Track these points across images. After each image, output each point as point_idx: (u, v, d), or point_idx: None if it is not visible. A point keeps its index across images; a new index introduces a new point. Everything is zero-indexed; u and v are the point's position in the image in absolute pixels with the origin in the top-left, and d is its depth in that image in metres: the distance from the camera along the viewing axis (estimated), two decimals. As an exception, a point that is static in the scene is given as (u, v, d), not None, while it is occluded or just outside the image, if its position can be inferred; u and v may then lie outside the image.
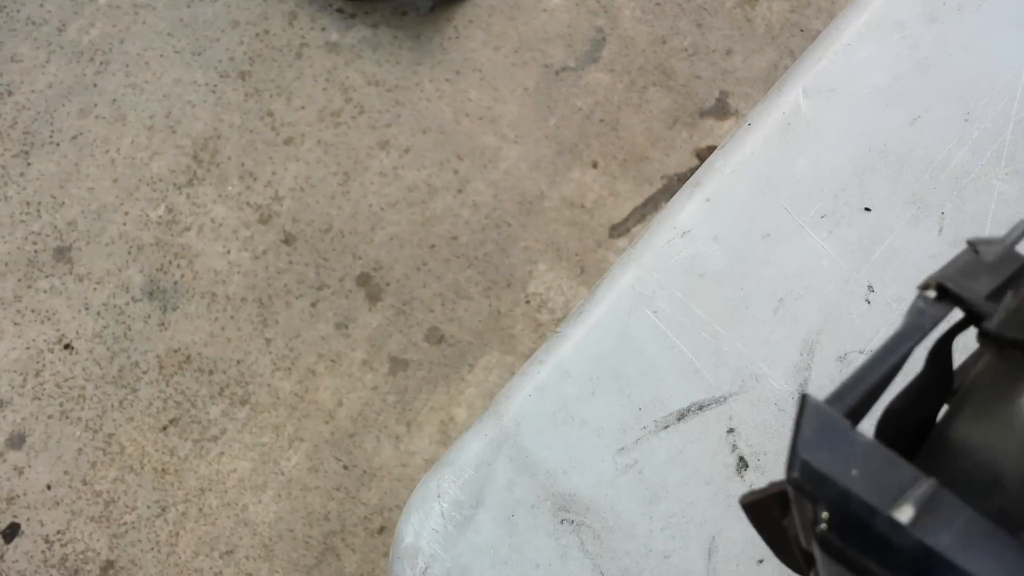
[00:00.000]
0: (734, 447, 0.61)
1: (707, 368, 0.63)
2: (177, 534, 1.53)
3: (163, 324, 1.60)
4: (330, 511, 1.55)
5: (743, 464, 0.61)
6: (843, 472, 0.31)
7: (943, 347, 0.37)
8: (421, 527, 0.60)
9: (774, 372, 0.63)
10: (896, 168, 0.67)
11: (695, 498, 0.60)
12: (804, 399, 0.33)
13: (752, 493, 0.38)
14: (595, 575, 0.58)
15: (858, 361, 0.60)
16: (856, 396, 0.34)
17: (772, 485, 0.38)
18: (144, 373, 1.58)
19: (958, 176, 0.66)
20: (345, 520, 1.55)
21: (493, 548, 0.60)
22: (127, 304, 1.61)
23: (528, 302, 1.57)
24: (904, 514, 0.30)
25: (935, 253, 0.64)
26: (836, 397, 0.34)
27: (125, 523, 1.52)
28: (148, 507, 1.53)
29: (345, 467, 1.56)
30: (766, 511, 0.38)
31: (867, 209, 0.66)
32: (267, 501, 1.55)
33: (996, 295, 0.34)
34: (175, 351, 1.59)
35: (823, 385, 0.62)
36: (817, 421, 0.32)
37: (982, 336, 0.36)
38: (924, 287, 0.35)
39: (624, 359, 0.63)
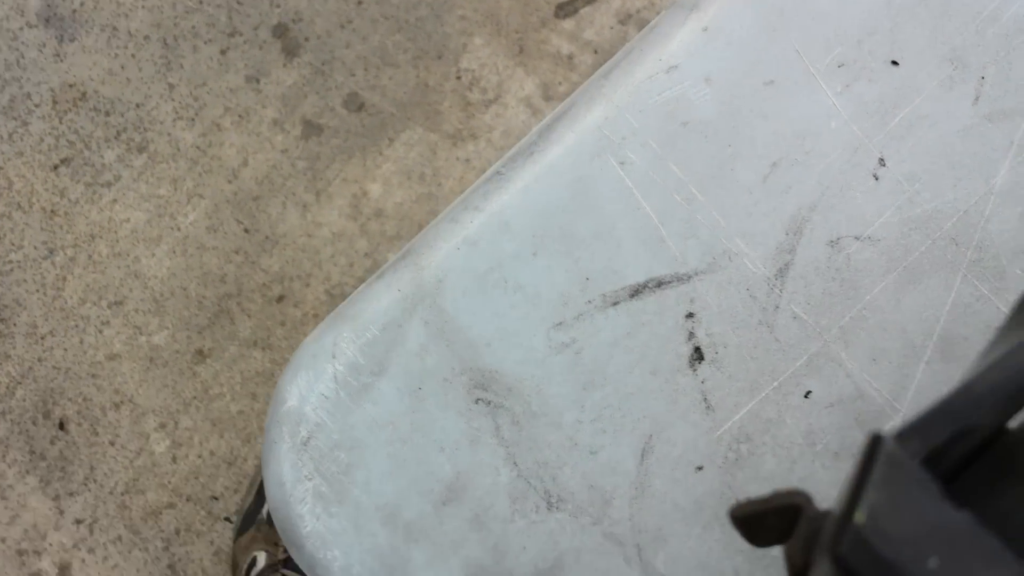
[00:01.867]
0: (691, 335, 0.52)
1: (674, 238, 0.52)
2: (64, 278, 1.43)
3: (59, 55, 1.42)
4: (227, 273, 1.46)
5: (698, 356, 0.51)
6: (918, 561, 0.21)
7: None
8: (308, 390, 0.50)
9: (752, 252, 0.52)
10: (939, 15, 0.54)
11: (636, 389, 0.51)
12: (876, 441, 0.22)
13: (748, 504, 0.28)
14: (507, 465, 0.50)
15: (853, 248, 0.50)
16: (946, 432, 0.23)
17: (777, 496, 0.28)
18: (36, 106, 1.41)
19: (1009, 34, 0.54)
20: (242, 284, 1.46)
21: (392, 423, 0.50)
22: (21, 29, 1.41)
23: (459, 78, 1.42)
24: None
25: (966, 126, 0.53)
26: (918, 430, 0.23)
27: (10, 261, 1.41)
28: (35, 248, 1.42)
29: (246, 230, 1.46)
30: (760, 528, 0.28)
31: (894, 63, 0.53)
32: (161, 256, 1.45)
33: None
34: (70, 86, 1.42)
35: (806, 275, 0.52)
36: (891, 476, 0.22)
37: None
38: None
39: (577, 216, 0.52)
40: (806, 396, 0.51)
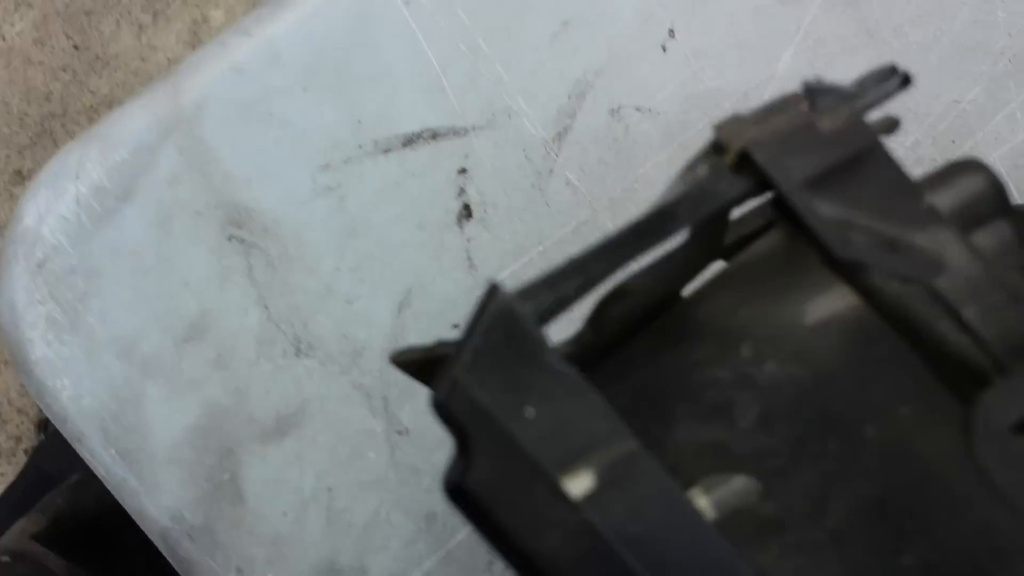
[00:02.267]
0: (462, 191, 0.50)
1: (455, 89, 0.50)
2: None
3: None
4: (53, 92, 1.37)
5: (467, 213, 0.50)
6: (513, 410, 0.21)
7: (719, 222, 0.27)
8: (47, 210, 0.47)
9: (532, 112, 0.51)
10: None
11: (400, 242, 0.50)
12: (492, 290, 0.21)
13: (409, 352, 0.27)
14: (258, 307, 0.48)
15: (633, 119, 0.49)
16: (571, 288, 0.23)
17: (440, 345, 0.28)
18: None
19: (818, -82, 0.53)
20: (68, 105, 1.37)
21: (136, 253, 0.47)
22: None
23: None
24: (579, 485, 0.21)
25: (758, 7, 0.52)
26: (544, 285, 0.23)
27: None
28: None
29: (76, 47, 1.36)
30: (430, 375, 0.28)
31: (702, -68, 0.52)
32: (-19, 66, 1.35)
33: (820, 182, 0.23)
34: None
35: (583, 141, 0.51)
36: (498, 326, 0.21)
37: (780, 212, 0.25)
38: (717, 147, 0.24)
39: (354, 55, 0.49)
40: (570, 263, 0.51)
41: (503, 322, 0.21)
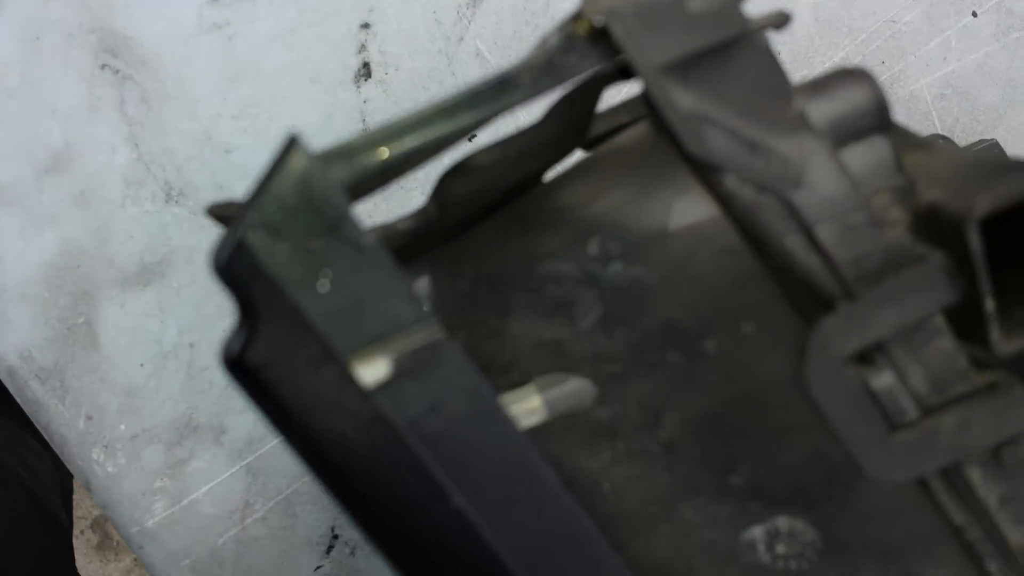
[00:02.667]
0: (363, 47, 0.47)
1: (364, -66, 0.46)
2: None
3: None
4: None
5: (366, 73, 0.47)
6: (305, 281, 0.19)
7: (578, 101, 0.24)
8: None
9: (448, -29, 0.47)
10: None
11: (290, 94, 0.47)
12: (291, 144, 0.19)
13: (228, 205, 0.25)
14: (128, 145, 0.45)
15: (554, -5, 0.46)
16: (394, 158, 0.20)
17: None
18: None
19: None
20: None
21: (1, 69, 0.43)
22: None
23: None
24: (372, 371, 0.19)
25: None
26: (361, 148, 0.20)
27: None
28: None
29: None
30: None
31: None
32: None
33: (683, 68, 0.21)
34: None
35: (500, 11, 0.48)
36: (295, 186, 0.19)
37: (645, 100, 0.23)
38: (578, 15, 0.21)
39: None
40: (470, 138, 0.49)
41: (302, 183, 0.19)
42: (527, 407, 0.24)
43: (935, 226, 0.23)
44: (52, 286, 0.45)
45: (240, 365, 0.19)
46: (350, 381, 0.19)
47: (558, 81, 0.21)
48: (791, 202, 0.21)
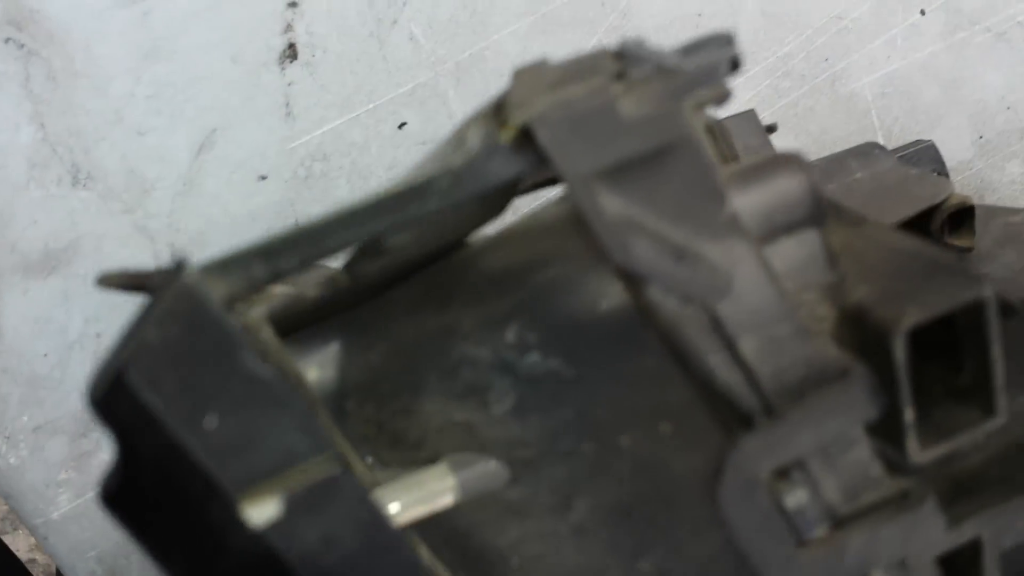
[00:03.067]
0: (289, 27, 0.44)
1: (292, -95, 0.43)
2: None
3: None
4: None
5: (291, 54, 0.45)
6: (191, 418, 0.17)
7: (509, 189, 0.23)
8: None
9: (381, -51, 0.44)
10: None
11: (210, 74, 0.44)
12: (179, 267, 0.17)
13: (120, 276, 0.23)
14: (32, 124, 0.42)
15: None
16: (292, 262, 0.19)
17: (158, 275, 0.23)
18: None
19: None
20: None
21: None
22: None
23: None
24: (261, 512, 0.18)
25: None
26: (258, 256, 0.19)
27: None
28: None
29: None
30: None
31: None
32: None
33: (615, 172, 0.19)
34: None
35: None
36: (181, 313, 0.17)
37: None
38: (499, 108, 0.20)
39: None
40: (400, 127, 0.47)
41: (188, 309, 0.17)
42: (439, 487, 0.23)
43: (861, 328, 0.22)
44: (-52, 271, 0.42)
45: (119, 502, 0.18)
46: (237, 522, 0.18)
47: (478, 188, 0.19)
48: (716, 314, 0.20)
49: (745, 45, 0.49)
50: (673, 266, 0.20)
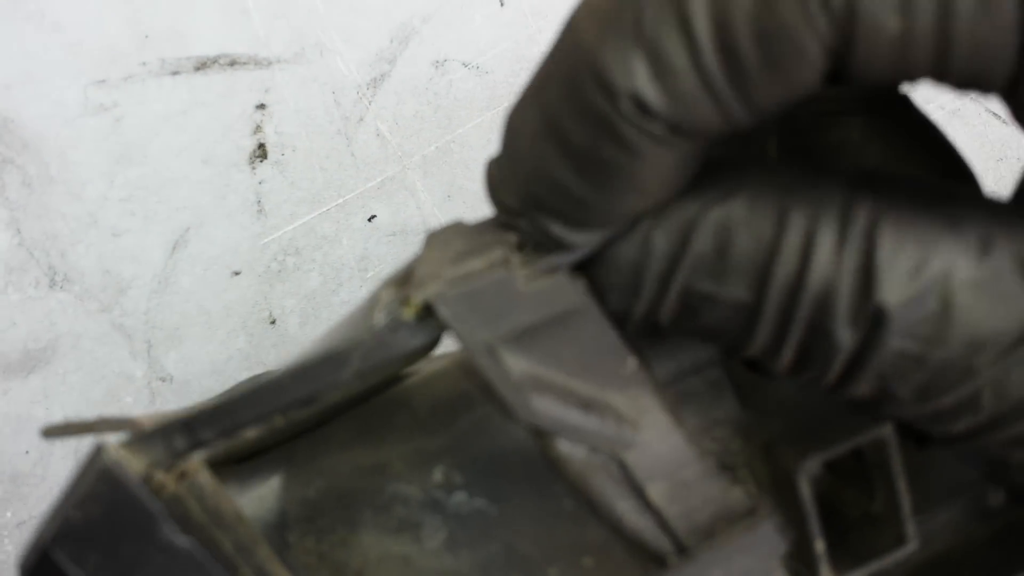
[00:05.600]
0: (258, 128, 0.46)
1: (261, 13, 0.45)
2: None
3: None
4: None
5: (261, 154, 0.46)
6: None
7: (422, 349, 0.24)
8: None
9: (348, 51, 0.46)
10: None
11: (181, 176, 0.45)
12: (98, 449, 0.18)
13: (65, 427, 0.24)
14: (9, 230, 0.43)
15: (459, 74, 0.45)
16: (211, 434, 0.20)
17: (101, 423, 0.24)
18: None
19: None
20: None
21: None
22: None
23: None
24: None
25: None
26: (177, 429, 0.20)
27: None
28: None
29: None
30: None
31: None
32: None
33: (516, 337, 0.20)
34: None
35: (401, 91, 0.47)
36: (101, 493, 0.18)
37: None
38: (403, 279, 0.21)
39: (141, -42, 0.43)
40: (370, 220, 0.48)
41: (107, 488, 0.18)
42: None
43: (770, 464, 0.23)
44: (-70, 373, 0.44)
45: None
46: None
47: (387, 356, 0.20)
48: (624, 463, 0.21)
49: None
50: (580, 417, 0.21)
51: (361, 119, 0.47)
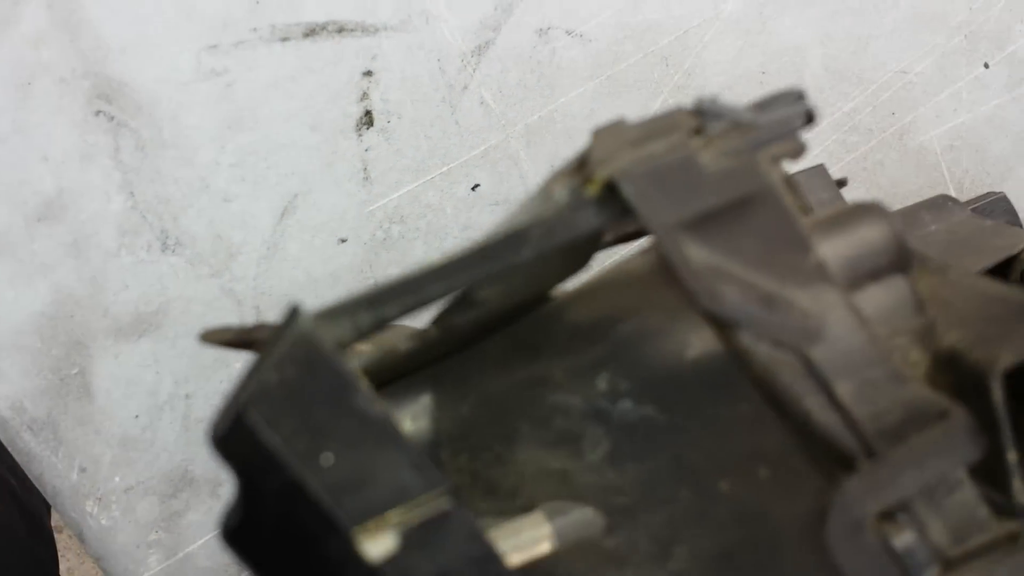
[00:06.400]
0: (364, 95, 0.46)
1: (369, -20, 0.45)
2: None
3: None
4: None
5: (368, 121, 0.46)
6: (308, 456, 0.18)
7: (594, 239, 0.23)
8: None
9: (453, 18, 0.46)
10: None
11: (290, 142, 0.46)
12: (293, 313, 0.18)
13: (222, 331, 0.24)
14: (122, 193, 0.44)
15: (562, 42, 0.45)
16: (397, 309, 0.20)
17: (258, 328, 0.24)
18: None
19: None
20: None
21: (-10, 118, 0.42)
22: None
23: None
24: (378, 546, 0.18)
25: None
26: (365, 304, 0.19)
27: None
28: None
29: None
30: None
31: None
32: None
33: (699, 223, 0.20)
34: None
35: (505, 59, 0.47)
36: (297, 357, 0.18)
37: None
38: (583, 162, 0.20)
39: (257, -76, 0.43)
40: (473, 188, 0.48)
41: (304, 352, 0.18)
42: (536, 535, 0.24)
43: (956, 371, 0.22)
44: (44, 336, 0.44)
45: (240, 538, 0.19)
46: (355, 557, 0.18)
47: (567, 237, 0.20)
48: (809, 359, 0.21)
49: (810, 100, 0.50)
50: (763, 312, 0.20)
51: (465, 87, 0.47)
